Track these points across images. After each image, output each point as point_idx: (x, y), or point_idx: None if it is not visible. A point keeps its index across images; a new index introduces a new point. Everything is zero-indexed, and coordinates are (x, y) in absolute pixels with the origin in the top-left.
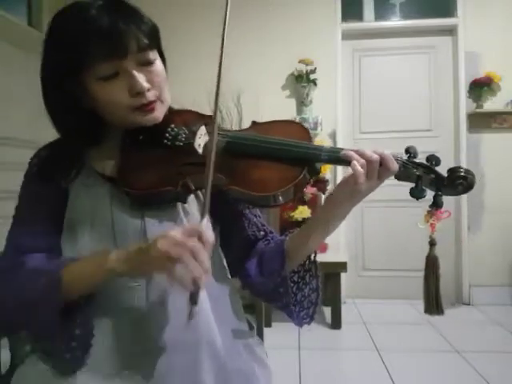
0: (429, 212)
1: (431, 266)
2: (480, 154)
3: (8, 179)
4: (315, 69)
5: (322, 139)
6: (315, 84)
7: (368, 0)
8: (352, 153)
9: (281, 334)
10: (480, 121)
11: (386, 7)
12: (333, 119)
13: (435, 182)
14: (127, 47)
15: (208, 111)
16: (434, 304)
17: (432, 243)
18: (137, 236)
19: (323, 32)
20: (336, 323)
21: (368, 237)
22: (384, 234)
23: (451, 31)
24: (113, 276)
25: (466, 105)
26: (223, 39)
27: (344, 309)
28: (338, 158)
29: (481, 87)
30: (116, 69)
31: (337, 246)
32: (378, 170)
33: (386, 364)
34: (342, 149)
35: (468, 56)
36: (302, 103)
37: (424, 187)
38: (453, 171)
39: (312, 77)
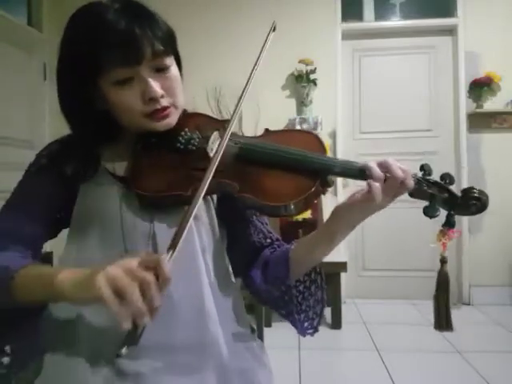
0: (441, 231)
1: (442, 283)
2: (480, 154)
3: (8, 179)
4: (315, 69)
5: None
6: (315, 84)
7: (368, 0)
8: (373, 165)
9: (281, 334)
10: (480, 121)
11: (385, 7)
12: (333, 119)
13: (449, 201)
14: (142, 54)
15: (207, 110)
16: (444, 321)
17: (443, 261)
18: (146, 239)
19: (323, 32)
20: (336, 323)
21: (368, 237)
22: (384, 234)
23: (451, 31)
24: (59, 297)
25: (466, 105)
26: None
27: (344, 309)
28: (353, 170)
29: (481, 87)
30: (130, 74)
31: (337, 246)
32: None
33: (386, 364)
34: (357, 162)
35: (468, 56)
36: (301, 103)
37: (437, 206)
38: (466, 192)
39: (312, 77)
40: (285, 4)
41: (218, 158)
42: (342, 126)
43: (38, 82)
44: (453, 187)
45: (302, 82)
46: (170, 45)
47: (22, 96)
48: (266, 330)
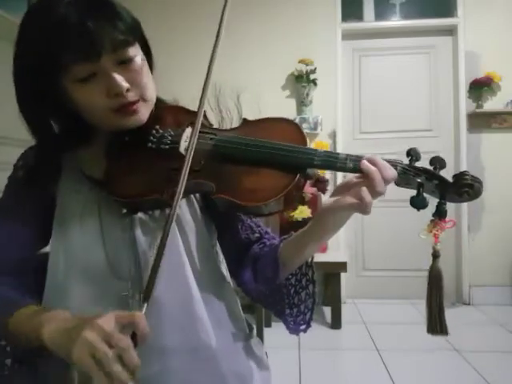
0: (432, 221)
1: (434, 281)
2: (480, 154)
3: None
4: (315, 69)
5: (321, 139)
6: (315, 84)
7: (368, 0)
8: (367, 163)
9: (281, 334)
10: (480, 121)
11: (385, 7)
12: (333, 119)
13: (439, 188)
14: (100, 48)
15: (206, 109)
16: (437, 323)
17: (435, 255)
18: (126, 246)
19: (323, 32)
20: (336, 323)
21: (368, 237)
22: (384, 233)
23: (451, 31)
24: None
25: (465, 105)
26: (218, 37)
27: (344, 309)
28: (336, 162)
29: (481, 87)
30: (92, 70)
31: (337, 246)
32: None
33: (386, 364)
34: (339, 153)
35: (468, 56)
36: (301, 103)
37: (426, 194)
38: (458, 178)
39: (312, 77)
40: (284, 4)
41: (190, 159)
42: (342, 125)
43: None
44: (444, 172)
45: (302, 82)
46: (132, 34)
47: None
48: (266, 330)
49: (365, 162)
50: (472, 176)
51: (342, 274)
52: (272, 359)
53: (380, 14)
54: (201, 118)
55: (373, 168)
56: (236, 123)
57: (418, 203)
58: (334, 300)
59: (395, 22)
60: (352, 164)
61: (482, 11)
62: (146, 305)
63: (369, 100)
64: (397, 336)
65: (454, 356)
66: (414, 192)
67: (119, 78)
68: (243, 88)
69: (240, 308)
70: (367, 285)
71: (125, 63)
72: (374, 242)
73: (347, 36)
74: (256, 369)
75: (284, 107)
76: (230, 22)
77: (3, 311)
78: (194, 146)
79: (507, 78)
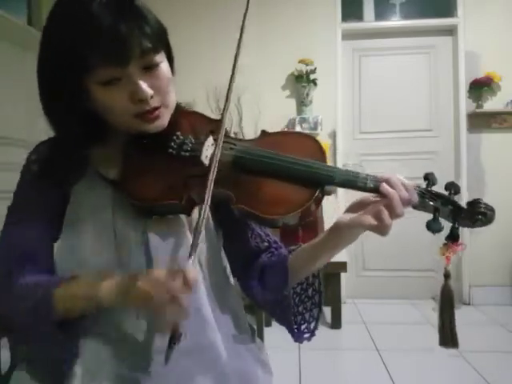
0: (445, 245)
1: (447, 299)
2: (480, 154)
3: (8, 179)
4: (315, 69)
5: (321, 139)
6: (315, 84)
7: (368, 0)
8: (386, 186)
9: (281, 334)
10: (480, 121)
11: (385, 7)
12: (333, 119)
13: (453, 213)
14: (129, 54)
15: (207, 110)
16: (449, 337)
17: (447, 275)
18: (139, 248)
19: (323, 32)
20: (336, 323)
21: (368, 237)
22: None
23: (451, 31)
24: (102, 306)
25: (465, 105)
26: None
27: (344, 309)
28: (352, 182)
29: (481, 87)
30: (117, 74)
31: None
32: None
33: (386, 364)
34: (359, 172)
35: (468, 56)
36: (301, 103)
37: (441, 218)
38: (473, 205)
39: (312, 77)
40: (284, 4)
41: (215, 170)
42: (342, 125)
43: (37, 82)
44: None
45: (302, 81)
46: (159, 41)
47: (22, 96)
48: (266, 330)
49: (384, 185)
50: (485, 204)
51: (342, 274)
52: (272, 359)
53: (380, 14)
54: (224, 128)
55: (392, 190)
56: (236, 124)
57: (434, 227)
58: (334, 300)
59: (395, 21)
60: (372, 184)
61: (482, 11)
62: (192, 257)
63: (369, 100)
64: (397, 336)
65: (454, 356)
66: (430, 216)
67: (144, 85)
68: (243, 88)
69: (243, 310)
70: (367, 285)
71: (150, 69)
72: (373, 242)
73: (347, 36)
74: (259, 370)
75: (284, 107)
76: (229, 22)
77: (52, 283)
78: (218, 157)
79: (507, 78)
